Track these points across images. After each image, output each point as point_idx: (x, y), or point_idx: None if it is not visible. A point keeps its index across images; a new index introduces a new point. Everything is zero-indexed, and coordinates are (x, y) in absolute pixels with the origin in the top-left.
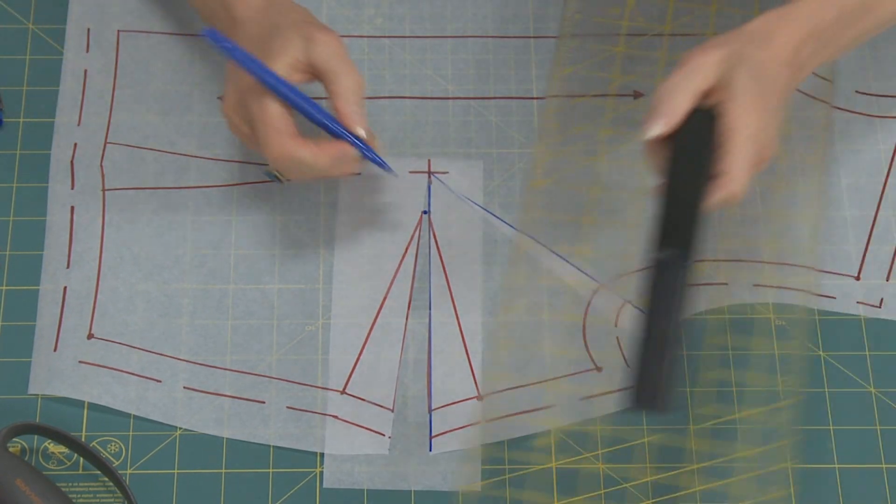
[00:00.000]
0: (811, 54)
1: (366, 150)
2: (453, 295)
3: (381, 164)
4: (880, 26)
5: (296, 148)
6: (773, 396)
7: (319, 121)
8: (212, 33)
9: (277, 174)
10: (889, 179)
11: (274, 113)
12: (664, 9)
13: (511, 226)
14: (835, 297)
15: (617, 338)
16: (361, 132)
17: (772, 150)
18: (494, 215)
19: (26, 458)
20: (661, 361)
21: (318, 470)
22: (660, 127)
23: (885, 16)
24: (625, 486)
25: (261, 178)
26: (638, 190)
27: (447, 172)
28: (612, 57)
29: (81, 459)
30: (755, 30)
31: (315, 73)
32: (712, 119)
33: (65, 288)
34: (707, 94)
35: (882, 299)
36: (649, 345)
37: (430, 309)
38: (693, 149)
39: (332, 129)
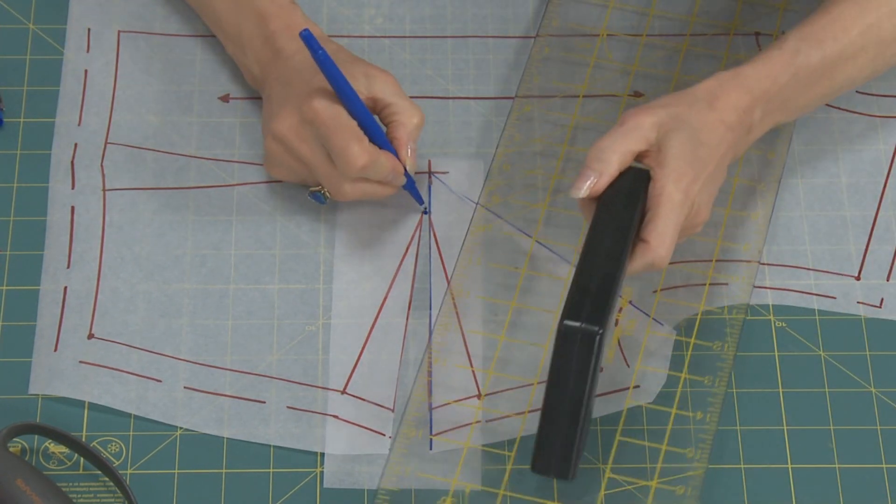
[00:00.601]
0: (762, 117)
1: (411, 181)
2: (453, 293)
3: (418, 198)
4: (839, 90)
5: (377, 153)
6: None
7: (380, 145)
8: (309, 36)
9: (326, 193)
10: (889, 179)
11: (353, 125)
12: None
13: (512, 225)
14: (835, 297)
15: (617, 338)
16: (412, 166)
17: (704, 215)
18: (496, 214)
19: (27, 458)
20: (562, 431)
21: (318, 470)
22: (587, 187)
23: (842, 80)
24: (627, 488)
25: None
26: None
27: (447, 172)
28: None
29: (82, 459)
30: (703, 91)
31: (374, 108)
32: (646, 179)
33: (65, 288)
34: (643, 156)
35: (882, 299)
36: (551, 414)
37: (430, 309)
38: (620, 209)
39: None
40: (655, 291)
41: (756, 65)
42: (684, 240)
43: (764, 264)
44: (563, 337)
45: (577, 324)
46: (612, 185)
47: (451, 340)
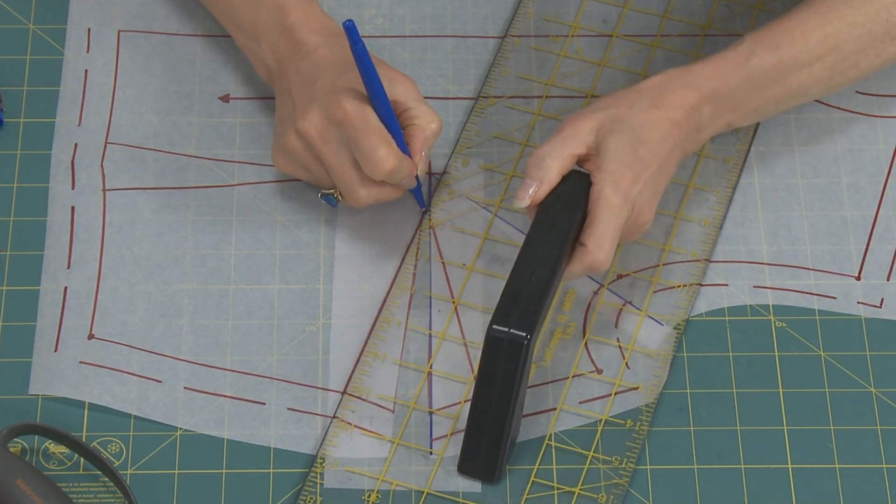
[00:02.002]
0: (712, 116)
1: (419, 185)
2: (453, 294)
3: (421, 202)
4: (794, 97)
5: (403, 157)
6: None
7: (401, 148)
8: (352, 27)
9: (338, 196)
10: (889, 179)
11: (381, 128)
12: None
13: (512, 224)
14: (835, 298)
15: (617, 339)
16: (423, 170)
17: (647, 215)
18: (496, 215)
19: (27, 459)
20: (488, 435)
21: (318, 470)
22: (529, 196)
23: (796, 87)
24: (628, 489)
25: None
26: None
27: (447, 172)
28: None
29: (82, 460)
30: (649, 87)
31: (394, 111)
32: (588, 183)
33: (65, 288)
34: (584, 159)
35: (882, 299)
36: (479, 418)
37: (430, 309)
38: (559, 213)
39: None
40: (655, 290)
41: (707, 63)
42: (631, 242)
43: (764, 264)
44: (491, 342)
45: (505, 329)
46: (554, 190)
47: (452, 341)
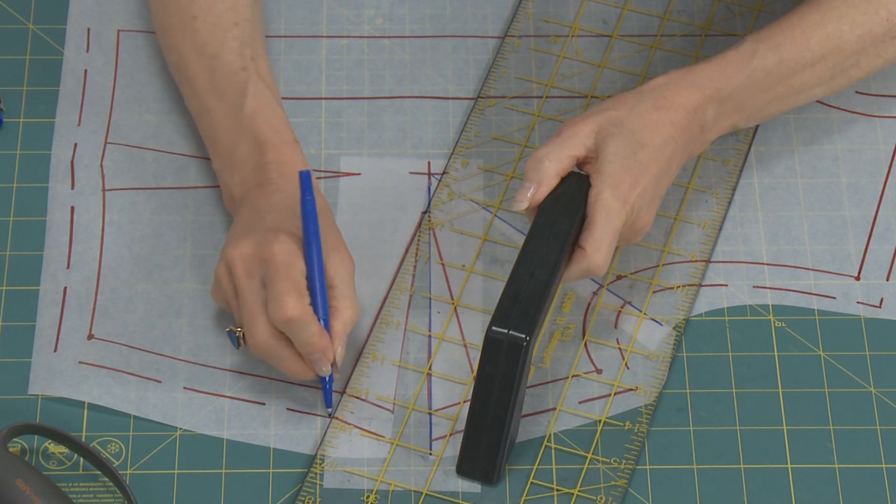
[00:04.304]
0: (716, 117)
1: (330, 378)
2: (453, 295)
3: (328, 402)
4: (796, 97)
5: (312, 318)
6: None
7: (320, 319)
8: (307, 177)
9: (241, 338)
10: (889, 179)
11: (301, 282)
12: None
13: (511, 224)
14: (835, 298)
15: (617, 339)
16: (340, 361)
17: (646, 219)
18: (495, 216)
19: (26, 459)
20: (487, 436)
21: (317, 471)
22: (528, 198)
23: (799, 86)
24: (628, 490)
25: None
26: None
27: (447, 172)
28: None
29: (81, 460)
30: (652, 88)
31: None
32: (587, 185)
33: (65, 288)
34: (584, 162)
35: (882, 299)
36: (478, 419)
37: (429, 310)
38: (559, 216)
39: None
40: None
41: (710, 64)
42: (631, 244)
43: (763, 264)
44: (491, 343)
45: (504, 331)
46: (553, 192)
47: (452, 341)
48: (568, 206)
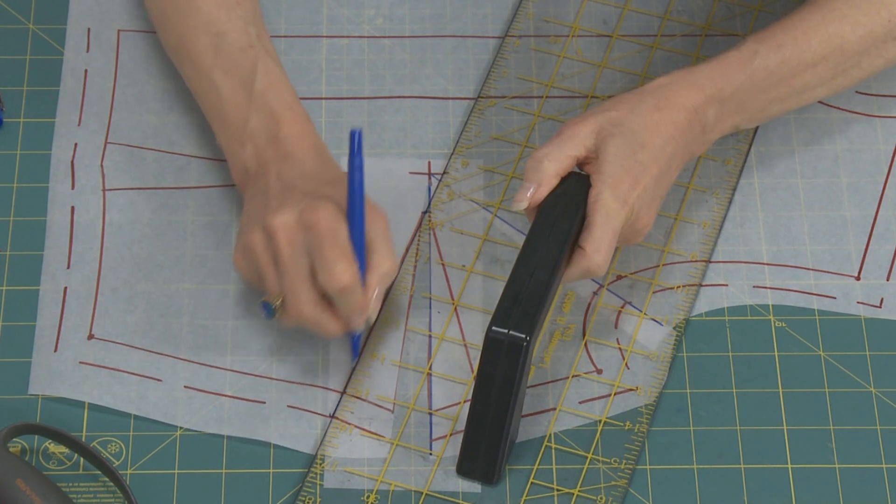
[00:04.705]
0: (718, 117)
1: (359, 334)
2: (453, 295)
3: (355, 353)
4: (798, 97)
5: (359, 282)
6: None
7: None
8: (359, 135)
9: (278, 307)
10: (889, 179)
11: (349, 246)
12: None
13: (511, 225)
14: (835, 298)
15: (617, 339)
16: (374, 314)
17: (646, 220)
18: (495, 216)
19: (27, 458)
20: (488, 436)
21: (317, 471)
22: (527, 199)
23: (801, 86)
24: (628, 490)
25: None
26: None
27: (447, 172)
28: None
29: (82, 459)
30: (653, 89)
31: None
32: (588, 185)
33: (65, 288)
34: (584, 162)
35: (882, 299)
36: (478, 419)
37: (429, 310)
38: (559, 216)
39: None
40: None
41: (711, 64)
42: (632, 245)
43: (764, 264)
44: (491, 343)
45: (504, 331)
46: (554, 192)
47: (452, 341)
48: (568, 207)
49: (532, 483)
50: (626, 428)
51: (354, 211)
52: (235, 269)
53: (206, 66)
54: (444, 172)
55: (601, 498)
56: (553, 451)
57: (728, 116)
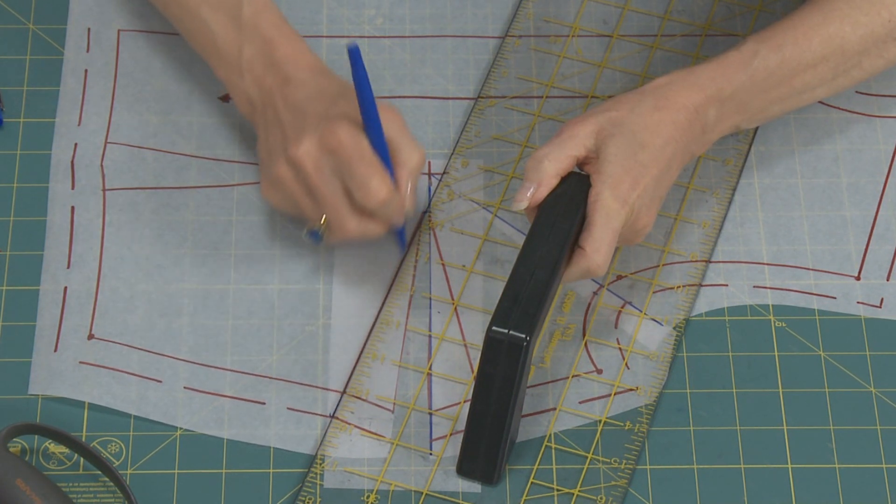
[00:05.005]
0: (718, 117)
1: (403, 227)
2: (453, 295)
3: (402, 244)
4: (798, 97)
5: (395, 190)
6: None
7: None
8: (357, 51)
9: (323, 230)
10: (889, 179)
11: (376, 157)
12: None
13: (511, 224)
14: (835, 298)
15: (617, 339)
16: (411, 208)
17: (646, 220)
18: (495, 216)
19: (27, 459)
20: (488, 436)
21: (317, 471)
22: (527, 198)
23: (801, 87)
24: (628, 489)
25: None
26: None
27: (447, 172)
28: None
29: (82, 459)
30: (653, 89)
31: None
32: (588, 185)
33: (65, 288)
34: (584, 162)
35: (882, 299)
36: (478, 419)
37: (429, 310)
38: (559, 216)
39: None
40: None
41: (711, 64)
42: (632, 245)
43: (764, 264)
44: (491, 343)
45: (504, 331)
46: (554, 192)
47: (452, 341)
48: (568, 207)
49: (532, 483)
50: (626, 428)
51: (370, 119)
52: (265, 201)
53: (192, 5)
54: (444, 172)
55: (601, 498)
56: (553, 451)
57: (728, 116)
